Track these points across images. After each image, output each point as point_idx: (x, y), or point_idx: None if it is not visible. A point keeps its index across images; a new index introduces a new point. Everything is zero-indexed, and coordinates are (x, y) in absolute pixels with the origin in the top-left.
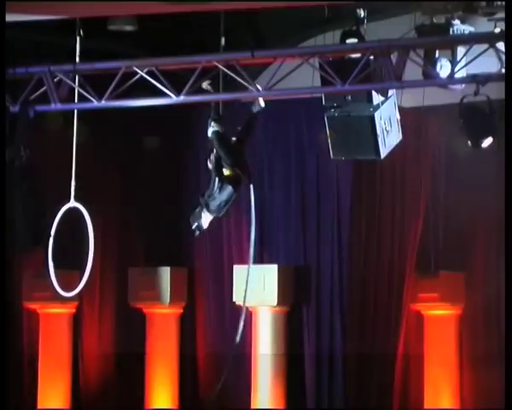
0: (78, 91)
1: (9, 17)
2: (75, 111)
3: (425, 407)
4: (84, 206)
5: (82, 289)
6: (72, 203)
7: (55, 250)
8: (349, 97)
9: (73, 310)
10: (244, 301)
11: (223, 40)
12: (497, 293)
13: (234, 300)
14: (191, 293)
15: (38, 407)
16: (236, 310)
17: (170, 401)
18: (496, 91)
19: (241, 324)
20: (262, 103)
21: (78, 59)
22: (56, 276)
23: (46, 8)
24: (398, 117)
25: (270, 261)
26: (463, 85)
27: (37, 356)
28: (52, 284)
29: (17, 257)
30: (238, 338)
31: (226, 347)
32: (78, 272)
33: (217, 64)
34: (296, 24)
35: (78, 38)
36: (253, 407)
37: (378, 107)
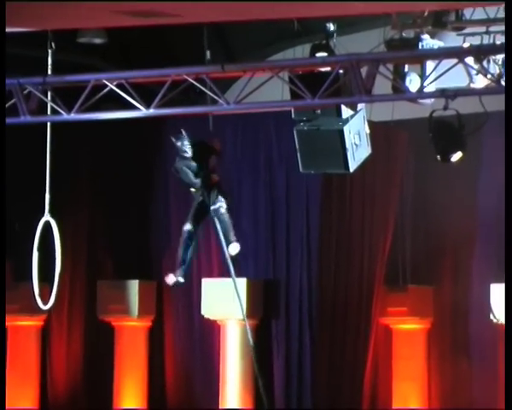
0: (48, 104)
1: None
2: (48, 124)
3: None
4: (52, 218)
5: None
6: (47, 217)
7: (26, 262)
8: (318, 111)
9: (42, 323)
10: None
11: (208, 53)
12: (465, 306)
13: (202, 313)
14: (160, 306)
15: None
16: (205, 323)
17: None
18: (465, 106)
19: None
20: None
21: (50, 71)
22: (28, 288)
23: (16, 21)
24: (368, 131)
25: (239, 275)
26: (432, 100)
27: (4, 369)
28: (33, 297)
29: None
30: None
31: (195, 360)
32: (47, 284)
33: (186, 77)
34: (266, 38)
35: (49, 51)
36: None
37: (347, 121)
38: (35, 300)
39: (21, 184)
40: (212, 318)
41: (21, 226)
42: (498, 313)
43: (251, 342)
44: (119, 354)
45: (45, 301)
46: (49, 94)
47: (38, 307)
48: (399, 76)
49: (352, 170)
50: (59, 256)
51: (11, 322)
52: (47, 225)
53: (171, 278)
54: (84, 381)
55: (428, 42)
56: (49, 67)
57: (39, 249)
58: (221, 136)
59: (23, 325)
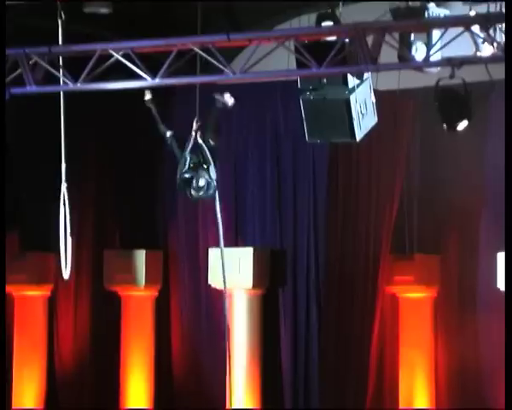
0: (54, 74)
1: None
2: (61, 93)
3: (400, 388)
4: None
5: (56, 272)
6: (64, 186)
7: (33, 232)
8: (324, 80)
9: (49, 293)
10: (225, 285)
11: (199, 23)
12: (471, 276)
13: (209, 282)
14: (166, 276)
15: (14, 391)
16: (212, 293)
17: (145, 382)
18: (471, 74)
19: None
20: (229, 100)
21: (60, 41)
22: (35, 258)
23: None
24: (374, 100)
25: (246, 244)
26: (439, 68)
27: (12, 339)
28: (40, 267)
29: None
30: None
31: (201, 329)
32: (53, 253)
33: (192, 47)
34: (271, 6)
35: (59, 21)
36: (228, 390)
37: (353, 90)
38: (60, 270)
39: (28, 154)
40: (218, 287)
41: (28, 196)
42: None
43: (226, 313)
44: (126, 324)
45: (48, 270)
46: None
47: (45, 276)
48: (405, 45)
49: (358, 139)
50: (69, 225)
51: (18, 292)
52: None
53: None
54: (91, 350)
55: (434, 10)
56: (60, 36)
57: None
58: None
59: (30, 295)
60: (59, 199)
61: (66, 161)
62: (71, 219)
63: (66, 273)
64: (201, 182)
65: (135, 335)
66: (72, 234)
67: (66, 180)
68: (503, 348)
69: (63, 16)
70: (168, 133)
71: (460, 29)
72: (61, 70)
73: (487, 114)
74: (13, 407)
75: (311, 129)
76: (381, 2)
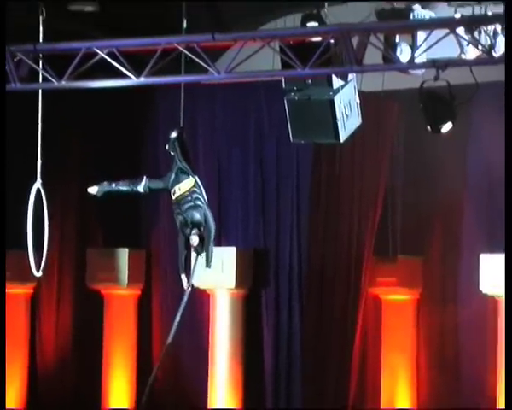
0: (38, 72)
1: None
2: (39, 91)
3: (381, 389)
4: (43, 186)
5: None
6: (38, 183)
7: (15, 230)
8: (309, 81)
9: (31, 291)
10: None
11: (184, 22)
12: (454, 278)
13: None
14: (149, 275)
15: None
16: (195, 292)
17: (127, 382)
18: (455, 77)
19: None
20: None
21: (41, 39)
22: (17, 256)
23: None
24: (358, 101)
25: (229, 244)
26: (423, 70)
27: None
28: (29, 264)
29: None
30: (178, 318)
31: (183, 328)
32: (36, 252)
33: (177, 46)
34: (257, 7)
35: (40, 18)
36: (210, 392)
37: (338, 91)
38: (30, 267)
39: (11, 150)
40: (201, 287)
41: (11, 193)
42: (487, 284)
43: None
44: (109, 323)
45: (36, 269)
46: (40, 62)
47: (28, 274)
48: (390, 46)
49: (342, 140)
50: (47, 223)
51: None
52: (38, 192)
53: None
54: (73, 349)
55: (419, 12)
56: (41, 34)
57: (23, 217)
58: (211, 105)
59: (13, 293)
60: (41, 196)
61: (49, 159)
62: (52, 217)
63: (35, 271)
64: (194, 241)
65: (117, 334)
66: (50, 231)
67: (49, 178)
68: (484, 349)
69: (44, 14)
70: (173, 134)
71: (445, 31)
72: (40, 71)
73: (471, 117)
74: None
75: (295, 129)
76: (366, 3)
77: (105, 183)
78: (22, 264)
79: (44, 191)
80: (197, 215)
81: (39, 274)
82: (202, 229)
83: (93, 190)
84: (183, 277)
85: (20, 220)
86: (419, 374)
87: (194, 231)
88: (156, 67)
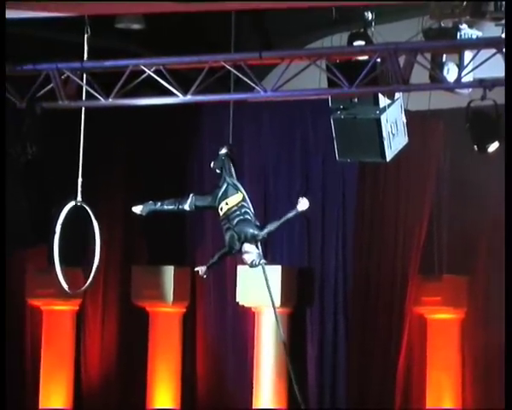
0: (86, 89)
1: (16, 14)
2: (82, 109)
3: (426, 408)
4: (89, 203)
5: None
6: (78, 201)
7: (59, 247)
8: (355, 100)
9: (77, 307)
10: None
11: (232, 40)
12: (499, 297)
13: (238, 300)
14: (194, 292)
15: (40, 405)
16: (238, 310)
17: (172, 400)
18: (502, 96)
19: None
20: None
21: (86, 56)
22: (63, 272)
23: (54, 7)
24: (405, 120)
25: (274, 262)
26: (470, 90)
27: (39, 353)
28: (58, 281)
29: (20, 253)
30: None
31: (227, 347)
32: (80, 269)
33: (224, 64)
34: (304, 25)
35: (85, 36)
36: (255, 408)
37: (384, 110)
38: (60, 284)
39: (59, 169)
40: (247, 305)
41: (57, 211)
42: None
43: (282, 336)
44: (154, 340)
45: (77, 286)
46: (84, 78)
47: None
48: (437, 65)
49: (388, 159)
50: (98, 241)
51: (46, 306)
52: (78, 210)
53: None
54: (118, 366)
55: (467, 31)
56: (85, 51)
57: (67, 234)
58: (258, 122)
59: (58, 310)
60: (83, 214)
61: (94, 176)
62: (100, 235)
63: (67, 287)
64: (248, 259)
65: (162, 351)
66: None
67: (94, 196)
68: None
69: (89, 31)
70: (223, 151)
71: (492, 51)
72: (87, 88)
73: None
74: None
75: (341, 148)
76: (414, 22)
77: (150, 202)
78: (68, 280)
79: (92, 208)
80: (249, 228)
81: (74, 292)
82: (257, 240)
83: (138, 209)
84: (204, 267)
85: (66, 236)
86: (464, 393)
87: (247, 248)
88: (203, 84)
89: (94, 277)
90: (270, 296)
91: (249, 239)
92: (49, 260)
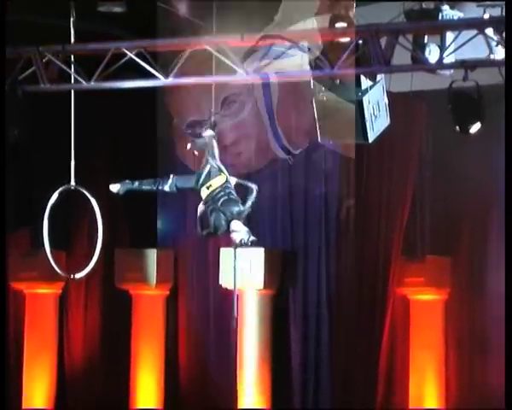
0: (67, 72)
1: None
2: (72, 92)
3: (410, 389)
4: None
5: (67, 270)
6: (72, 185)
7: (42, 230)
8: (337, 81)
9: (60, 290)
10: (234, 286)
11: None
12: (481, 278)
13: (220, 282)
14: (177, 275)
15: (24, 388)
16: (221, 292)
17: (155, 383)
18: (484, 77)
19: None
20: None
21: (73, 40)
22: (45, 256)
23: None
24: (387, 101)
25: (257, 244)
26: (452, 71)
27: (22, 336)
28: (49, 264)
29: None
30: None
31: (210, 328)
32: (64, 252)
33: (206, 46)
34: None
35: (71, 20)
36: (238, 390)
37: (366, 91)
38: (52, 268)
39: (41, 151)
40: (229, 287)
41: (40, 194)
42: None
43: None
44: (137, 323)
45: (62, 269)
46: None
47: (56, 274)
48: (419, 47)
49: (370, 140)
50: (100, 224)
51: (29, 289)
52: (69, 193)
53: None
54: (101, 349)
55: (448, 13)
56: (72, 35)
57: (54, 217)
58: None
59: (41, 293)
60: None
61: (77, 160)
62: (81, 218)
63: (60, 271)
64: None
65: (145, 334)
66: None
67: (77, 179)
68: None
69: (74, 15)
70: (207, 132)
71: (474, 32)
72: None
73: (499, 117)
74: (23, 406)
75: (323, 130)
76: (395, 3)
77: (127, 181)
78: (49, 263)
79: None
80: (234, 207)
81: (79, 275)
82: (243, 215)
83: (115, 187)
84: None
85: (50, 220)
86: (447, 374)
87: (234, 226)
88: (185, 66)
89: (97, 261)
90: (234, 279)
91: (235, 216)
92: (33, 243)
